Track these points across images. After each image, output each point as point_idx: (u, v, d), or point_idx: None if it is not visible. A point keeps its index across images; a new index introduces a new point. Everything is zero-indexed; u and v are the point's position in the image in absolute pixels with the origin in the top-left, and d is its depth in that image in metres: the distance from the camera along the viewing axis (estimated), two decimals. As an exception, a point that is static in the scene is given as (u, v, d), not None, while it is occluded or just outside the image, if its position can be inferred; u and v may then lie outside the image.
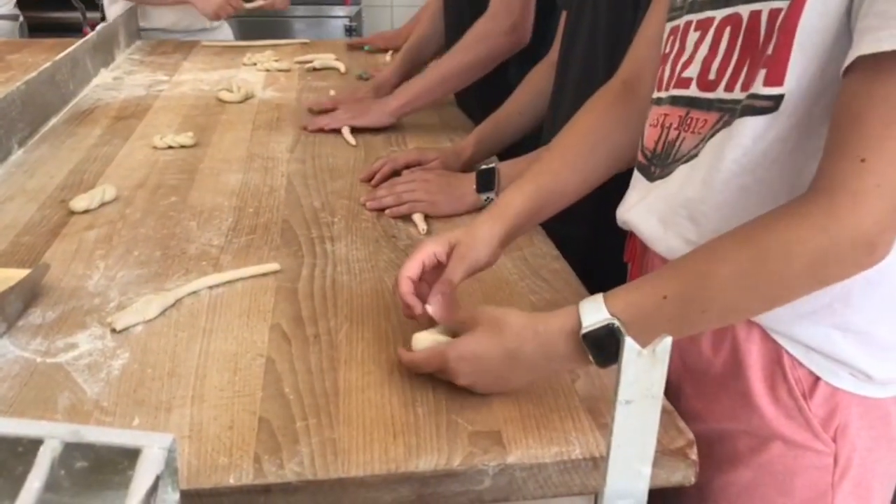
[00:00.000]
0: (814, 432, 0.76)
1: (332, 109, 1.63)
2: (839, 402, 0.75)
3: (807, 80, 0.68)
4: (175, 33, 2.54)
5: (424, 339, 0.80)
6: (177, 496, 0.46)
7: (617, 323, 0.68)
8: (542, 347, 0.72)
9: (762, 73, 0.70)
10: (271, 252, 1.06)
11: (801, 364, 0.75)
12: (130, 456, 0.44)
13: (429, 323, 0.82)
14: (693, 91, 0.79)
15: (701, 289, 0.67)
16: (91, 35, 2.00)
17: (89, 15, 2.40)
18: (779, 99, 0.69)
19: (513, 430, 0.72)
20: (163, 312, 0.91)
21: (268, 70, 2.07)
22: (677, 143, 0.80)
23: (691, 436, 0.72)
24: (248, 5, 2.52)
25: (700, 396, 0.82)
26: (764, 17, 0.71)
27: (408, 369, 0.80)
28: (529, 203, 0.89)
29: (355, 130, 1.54)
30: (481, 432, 0.72)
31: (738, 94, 0.73)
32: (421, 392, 0.77)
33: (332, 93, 1.83)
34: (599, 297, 0.70)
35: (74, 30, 2.35)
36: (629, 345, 0.57)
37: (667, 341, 0.57)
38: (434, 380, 0.78)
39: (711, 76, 0.77)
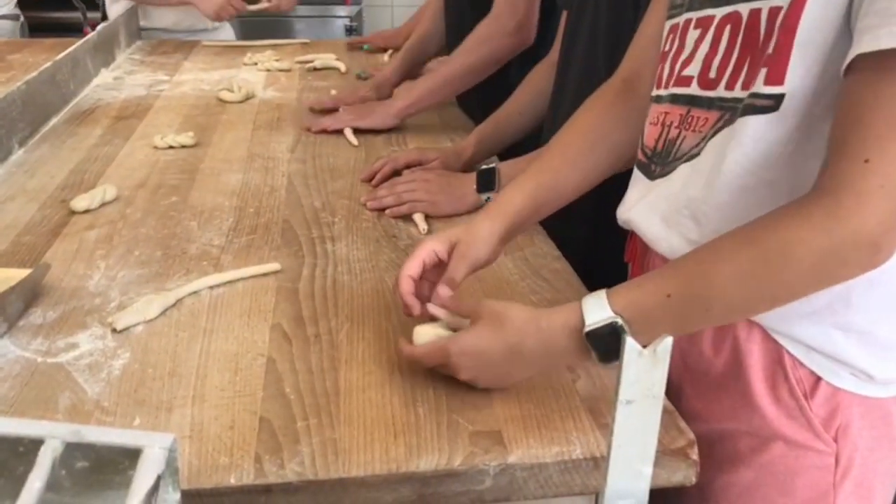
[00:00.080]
0: (815, 432, 0.76)
1: (334, 109, 1.63)
2: (840, 402, 0.75)
3: (808, 80, 0.68)
4: (176, 33, 2.53)
5: (426, 333, 0.80)
6: (177, 496, 0.46)
7: (620, 321, 0.68)
8: (544, 343, 0.72)
9: (763, 71, 0.70)
10: (272, 252, 1.06)
11: (802, 364, 0.75)
12: (131, 456, 0.44)
13: (430, 318, 0.82)
14: (694, 89, 0.78)
15: (703, 288, 0.67)
16: (91, 35, 2.00)
17: (90, 15, 2.41)
18: (780, 98, 0.69)
19: (514, 430, 0.72)
20: (163, 312, 0.91)
21: (268, 70, 2.07)
22: (678, 142, 0.80)
23: (692, 436, 0.72)
24: (252, 7, 2.52)
25: (701, 396, 0.82)
26: (764, 16, 0.71)
27: (409, 364, 0.80)
28: (529, 201, 0.89)
29: (357, 131, 1.54)
30: (482, 432, 0.72)
31: (738, 92, 0.73)
32: (422, 392, 0.77)
33: (333, 92, 1.83)
34: (602, 293, 0.70)
35: (75, 30, 2.35)
36: (630, 345, 0.57)
37: (667, 341, 0.57)
38: (435, 379, 0.78)
39: (712, 74, 0.76)
